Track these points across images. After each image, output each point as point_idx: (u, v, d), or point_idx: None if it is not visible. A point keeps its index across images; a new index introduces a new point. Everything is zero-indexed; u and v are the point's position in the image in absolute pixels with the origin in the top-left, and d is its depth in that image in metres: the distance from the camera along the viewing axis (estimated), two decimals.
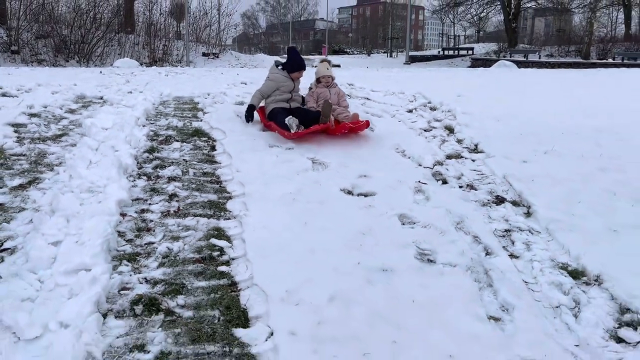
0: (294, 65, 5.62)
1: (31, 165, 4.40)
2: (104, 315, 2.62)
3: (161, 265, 3.10)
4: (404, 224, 3.63)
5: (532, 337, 2.52)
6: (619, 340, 2.55)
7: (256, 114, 5.69)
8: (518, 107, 6.79)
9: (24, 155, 4.61)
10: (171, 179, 4.30)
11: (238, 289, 2.90)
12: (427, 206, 3.89)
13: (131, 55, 24.00)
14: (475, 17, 37.40)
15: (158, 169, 4.47)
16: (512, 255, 3.29)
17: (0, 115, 5.49)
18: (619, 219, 3.64)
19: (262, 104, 5.72)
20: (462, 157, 4.97)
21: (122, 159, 4.42)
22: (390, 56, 43.33)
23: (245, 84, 8.07)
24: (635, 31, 37.64)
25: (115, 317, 2.63)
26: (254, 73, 10.63)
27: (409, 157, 4.93)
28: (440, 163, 4.79)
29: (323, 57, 6.01)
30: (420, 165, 4.73)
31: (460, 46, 38.48)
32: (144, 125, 5.46)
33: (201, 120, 5.79)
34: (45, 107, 5.95)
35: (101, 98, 6.64)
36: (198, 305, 2.74)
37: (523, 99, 7.46)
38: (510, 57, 25.96)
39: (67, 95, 6.57)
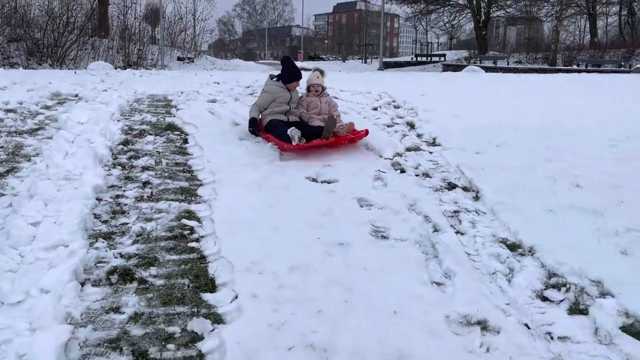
0: (290, 75, 5.45)
1: (8, 156, 4.58)
2: (82, 284, 2.85)
3: (135, 242, 3.34)
4: (362, 206, 3.94)
5: (468, 297, 2.84)
6: (544, 299, 2.89)
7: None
8: (477, 105, 7.19)
9: (1, 147, 4.79)
10: (145, 168, 4.54)
11: (207, 261, 3.16)
12: (384, 191, 4.21)
13: (105, 59, 23.93)
14: (447, 25, 38.22)
15: (132, 160, 4.70)
16: (458, 232, 3.62)
17: None
18: (556, 201, 4.00)
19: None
20: (420, 149, 5.31)
21: (98, 150, 4.64)
22: (365, 62, 43.92)
23: (218, 83, 8.34)
24: (601, 39, 39.11)
25: (92, 285, 2.86)
26: (228, 75, 10.89)
27: (371, 150, 5.25)
28: (399, 154, 5.12)
29: (316, 66, 6.01)
30: (381, 156, 5.06)
31: (433, 53, 39.27)
32: (118, 120, 5.68)
33: (174, 116, 6.04)
34: (21, 104, 6.12)
35: (76, 95, 6.83)
36: (169, 275, 2.99)
37: (483, 98, 7.88)
38: (480, 63, 26.67)
39: (42, 93, 6.73)
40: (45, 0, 25.14)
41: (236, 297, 2.77)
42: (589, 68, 24.55)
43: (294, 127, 4.92)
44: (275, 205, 3.87)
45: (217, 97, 6.94)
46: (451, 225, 3.71)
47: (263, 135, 5.31)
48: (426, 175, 4.65)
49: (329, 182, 4.38)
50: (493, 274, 3.11)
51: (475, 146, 5.26)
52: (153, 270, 3.03)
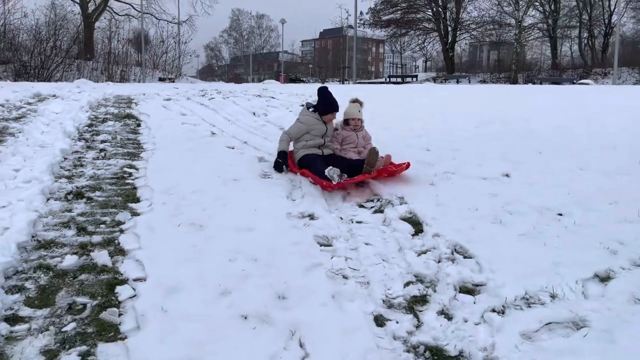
0: (327, 107, 5.14)
1: None
2: (47, 199, 4.20)
3: (88, 180, 4.70)
4: (259, 161, 5.34)
5: (309, 205, 4.20)
6: (362, 207, 4.29)
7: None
8: (388, 102, 8.67)
9: None
10: (103, 141, 5.91)
11: (136, 189, 4.53)
12: None
13: (89, 79, 25.35)
14: (418, 47, 40.31)
15: (94, 136, 6.08)
16: None
17: None
18: (407, 158, 5.40)
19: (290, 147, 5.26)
20: None
21: (67, 128, 6.02)
22: (343, 83, 45.78)
23: (177, 87, 9.78)
24: (568, 60, 41.51)
25: (54, 200, 4.21)
26: (189, 85, 12.33)
27: (281, 128, 6.68)
28: None
29: (354, 97, 5.37)
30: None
31: (405, 74, 41.26)
32: (87, 111, 7.08)
33: (133, 109, 7.44)
34: (7, 100, 7.49)
35: (54, 95, 8.22)
36: (109, 196, 4.35)
37: (398, 99, 9.38)
38: (445, 82, 28.49)
39: (25, 94, 8.12)
40: (34, 25, 26.59)
41: (151, 205, 4.13)
42: (544, 85, 26.42)
43: (331, 167, 4.56)
44: (197, 161, 5.26)
45: (172, 97, 8.37)
46: None
47: (296, 169, 5.01)
48: None
49: (242, 151, 5.78)
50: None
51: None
52: (98, 193, 4.39)
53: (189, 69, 45.42)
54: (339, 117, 5.35)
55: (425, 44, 38.66)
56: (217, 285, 2.99)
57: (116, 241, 3.51)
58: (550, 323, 2.79)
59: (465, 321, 2.81)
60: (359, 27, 33.81)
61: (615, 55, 21.97)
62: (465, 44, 42.80)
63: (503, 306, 2.94)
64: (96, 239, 3.53)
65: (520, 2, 30.74)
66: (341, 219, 4.05)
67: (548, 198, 4.38)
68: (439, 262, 3.41)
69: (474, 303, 2.97)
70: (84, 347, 2.45)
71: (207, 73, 71.62)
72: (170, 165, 5.09)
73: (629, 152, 5.67)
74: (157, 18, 34.66)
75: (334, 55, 73.45)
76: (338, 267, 3.30)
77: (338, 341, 2.58)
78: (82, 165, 5.09)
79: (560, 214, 4.13)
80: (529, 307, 2.94)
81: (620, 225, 3.91)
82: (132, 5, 34.00)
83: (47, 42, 26.22)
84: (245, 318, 2.72)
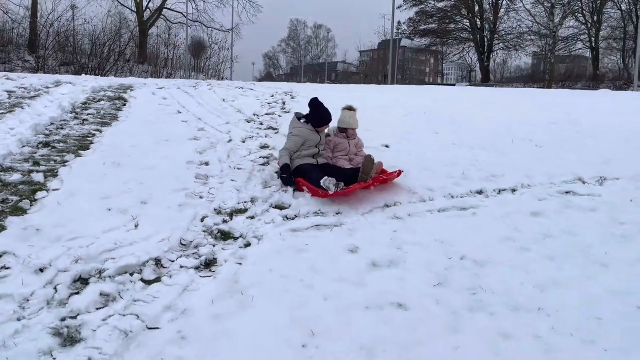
0: (320, 120, 5.20)
1: (9, 107, 7.57)
2: (23, 147, 5.68)
3: (60, 137, 6.17)
4: (198, 130, 6.67)
5: (211, 157, 5.47)
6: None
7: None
8: (366, 99, 9.80)
9: (9, 102, 7.81)
10: (89, 114, 7.43)
11: (92, 143, 5.95)
12: (233, 130, 6.92)
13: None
14: (457, 56, 40.84)
15: (84, 111, 7.61)
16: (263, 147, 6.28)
17: (1, 87, 8.77)
18: None
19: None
20: (275, 114, 8.00)
21: (63, 104, 7.58)
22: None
23: (176, 80, 11.31)
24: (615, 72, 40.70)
25: (28, 147, 5.68)
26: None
27: (242, 113, 7.99)
28: (257, 115, 7.83)
29: (349, 104, 5.57)
30: (244, 114, 7.78)
31: (442, 83, 41.86)
32: (87, 94, 8.66)
33: (127, 94, 8.98)
34: (31, 85, 9.21)
35: (70, 82, 9.91)
36: (69, 146, 5.78)
37: (380, 97, 10.50)
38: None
39: (48, 80, 9.86)
40: (92, 30, 29.38)
41: (93, 152, 5.53)
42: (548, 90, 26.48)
43: (326, 177, 4.55)
44: (149, 129, 6.65)
45: (165, 85, 9.89)
46: (261, 146, 6.34)
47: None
48: (269, 125, 7.32)
49: (191, 123, 7.13)
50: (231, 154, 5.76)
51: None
52: (62, 145, 5.84)
53: (244, 76, 47.98)
54: (332, 123, 5.38)
55: (464, 53, 39.11)
56: (103, 194, 4.32)
57: (55, 170, 4.91)
58: (319, 225, 3.94)
59: (259, 221, 4.01)
60: (398, 37, 34.81)
61: (636, 67, 21.91)
62: (527, 56, 42.71)
63: (295, 215, 4.11)
64: (42, 168, 4.95)
65: (555, 14, 30.82)
66: (230, 167, 5.30)
67: (399, 161, 5.46)
68: (276, 192, 4.61)
69: (277, 214, 4.15)
70: None
71: (266, 81, 74.26)
72: (127, 130, 6.50)
73: (515, 136, 6.58)
74: (206, 26, 37.05)
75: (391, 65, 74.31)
76: (199, 192, 4.56)
77: (164, 224, 3.84)
78: (62, 129, 6.59)
79: (401, 171, 5.20)
80: (295, 218, 4.09)
81: (440, 179, 4.96)
82: (184, 14, 36.57)
83: (104, 46, 28.93)
84: (110, 210, 4.04)
